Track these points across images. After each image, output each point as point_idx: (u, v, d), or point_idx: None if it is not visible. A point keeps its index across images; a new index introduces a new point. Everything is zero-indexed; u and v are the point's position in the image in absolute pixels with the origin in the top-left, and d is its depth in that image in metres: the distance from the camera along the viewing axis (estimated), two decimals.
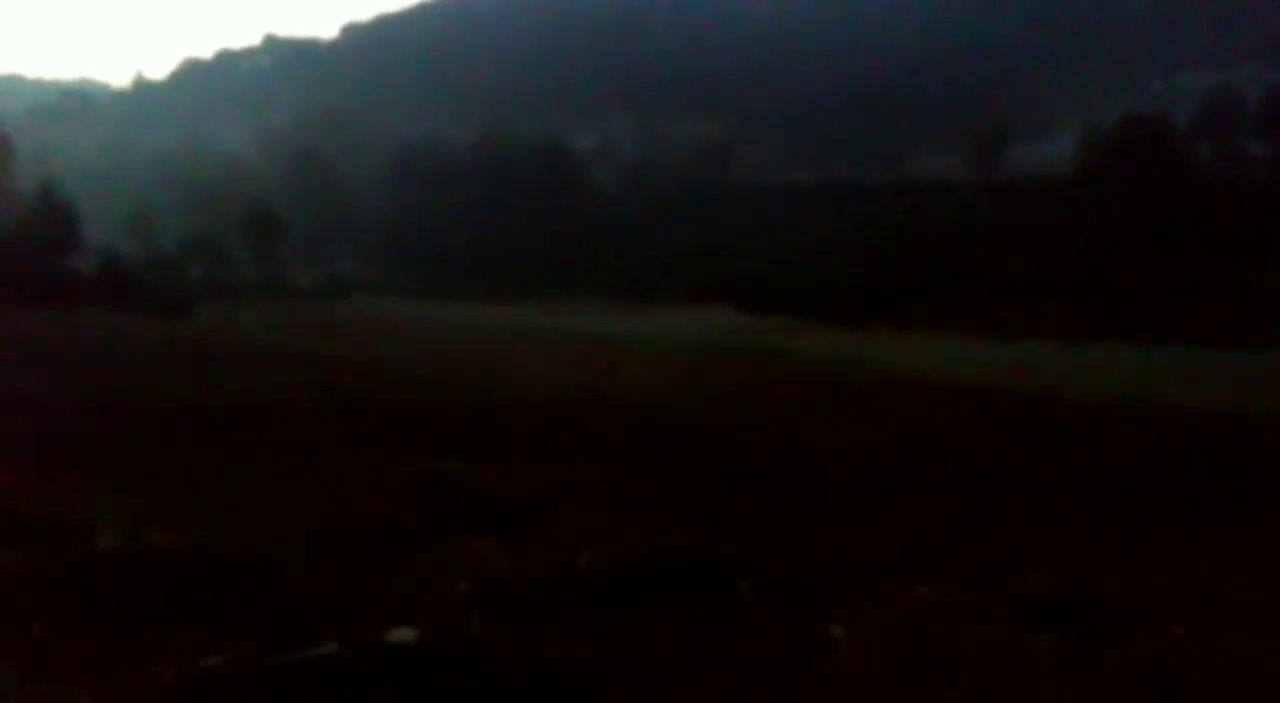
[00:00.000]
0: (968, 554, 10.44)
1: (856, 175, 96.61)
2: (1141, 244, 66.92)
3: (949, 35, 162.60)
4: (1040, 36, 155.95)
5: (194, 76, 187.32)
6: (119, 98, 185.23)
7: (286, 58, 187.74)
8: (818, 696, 6.27)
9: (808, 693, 6.30)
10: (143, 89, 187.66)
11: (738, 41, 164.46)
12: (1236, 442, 20.67)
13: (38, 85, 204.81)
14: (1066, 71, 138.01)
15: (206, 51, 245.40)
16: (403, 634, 7.28)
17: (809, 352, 42.37)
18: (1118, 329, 48.75)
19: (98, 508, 11.75)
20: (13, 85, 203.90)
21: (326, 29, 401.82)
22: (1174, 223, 68.06)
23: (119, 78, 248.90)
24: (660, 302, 68.72)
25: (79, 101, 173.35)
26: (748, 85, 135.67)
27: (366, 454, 16.73)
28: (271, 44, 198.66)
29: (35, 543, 9.97)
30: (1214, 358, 38.97)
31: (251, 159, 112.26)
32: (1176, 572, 9.80)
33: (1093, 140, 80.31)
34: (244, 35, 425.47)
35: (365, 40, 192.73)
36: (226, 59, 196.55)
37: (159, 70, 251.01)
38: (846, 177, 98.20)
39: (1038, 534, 11.73)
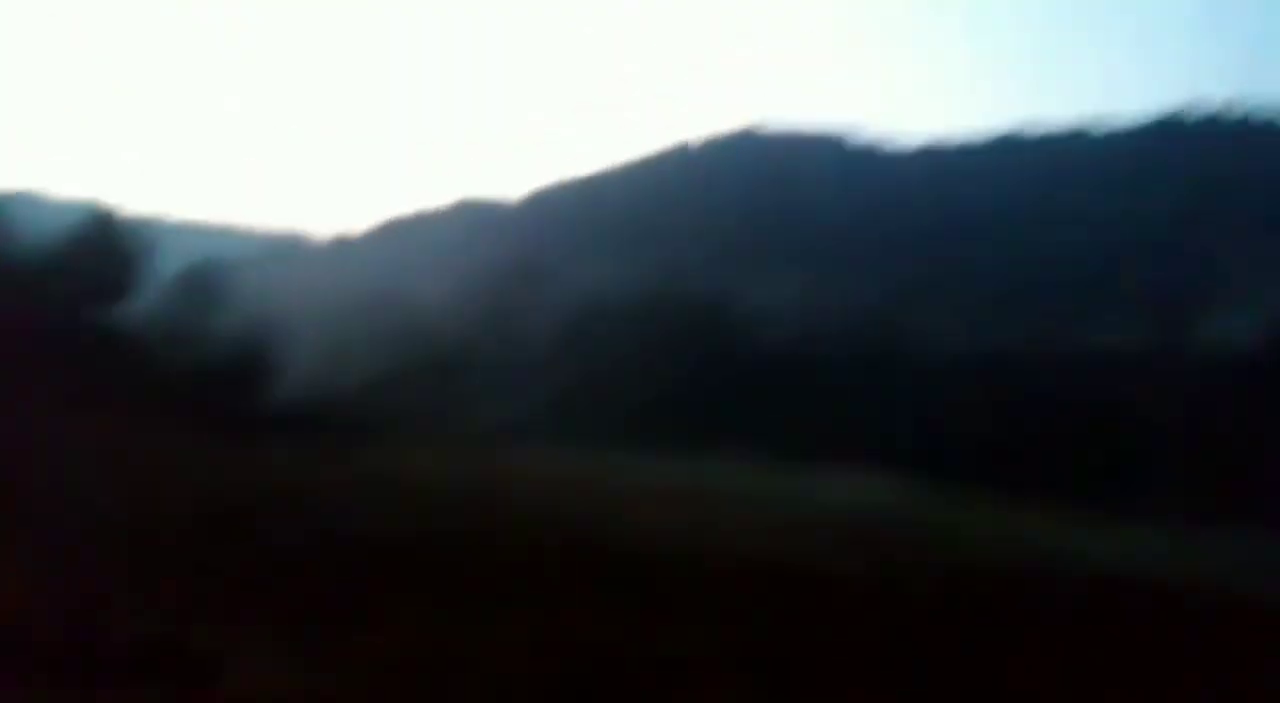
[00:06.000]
0: None
1: (1023, 346, 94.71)
2: None
3: (1135, 204, 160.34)
4: (1235, 213, 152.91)
5: (391, 233, 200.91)
6: (321, 250, 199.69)
7: (476, 218, 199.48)
8: None
9: None
10: (344, 243, 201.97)
11: (909, 207, 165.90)
12: None
13: (248, 235, 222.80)
14: (1251, 257, 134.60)
15: (404, 210, 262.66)
16: None
17: (978, 526, 41.17)
18: None
19: (224, 639, 11.85)
20: (226, 235, 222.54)
21: (513, 192, 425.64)
22: None
23: (321, 230, 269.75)
24: (826, 464, 68.03)
25: (286, 251, 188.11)
26: (917, 252, 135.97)
27: (518, 607, 17.04)
28: (463, 206, 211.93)
29: (162, 676, 10.03)
30: None
31: (441, 309, 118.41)
32: None
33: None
34: (437, 197, 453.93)
35: (548, 203, 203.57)
36: (422, 218, 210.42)
37: (358, 225, 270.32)
38: (1021, 344, 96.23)
39: None
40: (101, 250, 75.70)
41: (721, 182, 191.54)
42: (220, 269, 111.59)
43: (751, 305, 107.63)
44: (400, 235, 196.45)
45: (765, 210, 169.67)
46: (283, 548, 20.81)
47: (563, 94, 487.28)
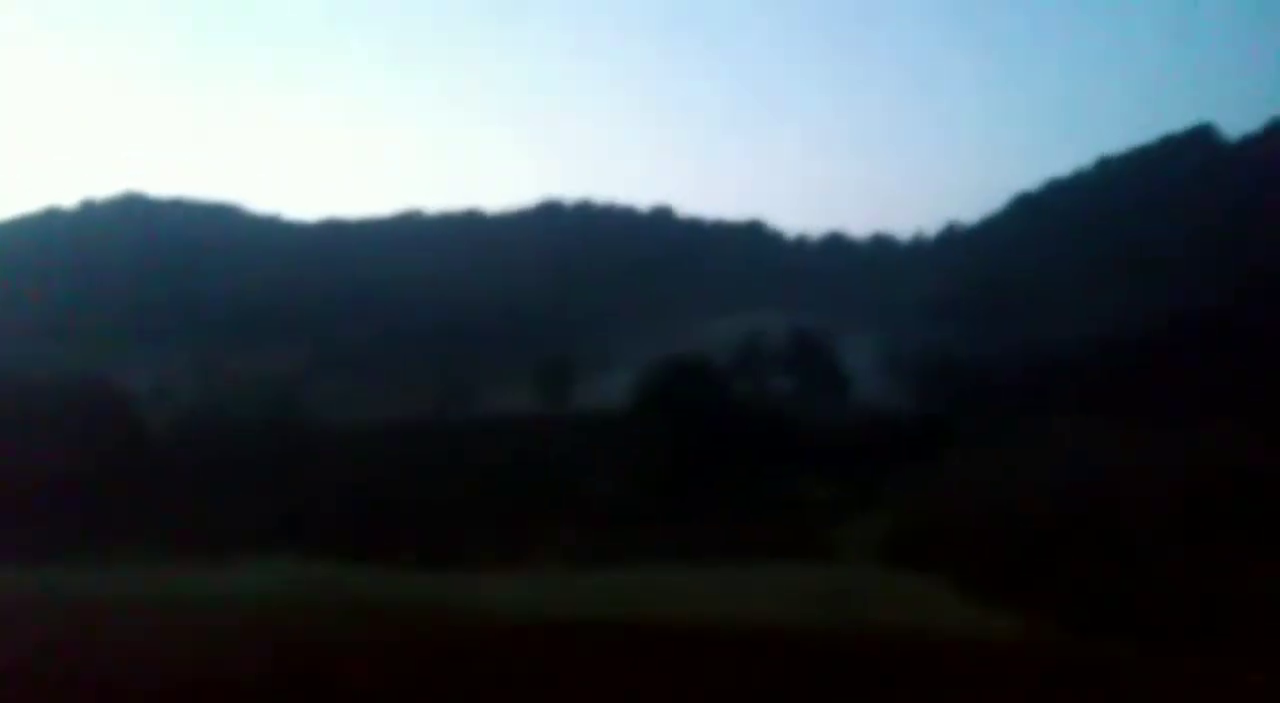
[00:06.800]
0: None
1: (434, 411, 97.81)
2: (694, 468, 73.42)
3: (519, 280, 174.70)
4: (599, 289, 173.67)
5: None
6: None
7: None
8: None
9: None
10: None
11: (312, 277, 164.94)
12: (797, 656, 22.05)
13: None
14: (621, 318, 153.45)
15: None
16: None
17: (388, 598, 40.88)
18: (664, 548, 52.42)
19: None
20: None
21: None
22: (719, 448, 75.96)
23: None
24: (223, 552, 63.48)
25: None
26: (321, 320, 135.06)
27: None
28: None
29: None
30: (764, 572, 42.16)
31: None
32: None
33: (646, 376, 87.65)
34: None
35: None
36: None
37: None
38: (424, 413, 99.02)
39: None
40: None
41: (102, 248, 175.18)
42: None
43: (137, 383, 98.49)
44: None
45: (152, 280, 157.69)
46: None
47: None
